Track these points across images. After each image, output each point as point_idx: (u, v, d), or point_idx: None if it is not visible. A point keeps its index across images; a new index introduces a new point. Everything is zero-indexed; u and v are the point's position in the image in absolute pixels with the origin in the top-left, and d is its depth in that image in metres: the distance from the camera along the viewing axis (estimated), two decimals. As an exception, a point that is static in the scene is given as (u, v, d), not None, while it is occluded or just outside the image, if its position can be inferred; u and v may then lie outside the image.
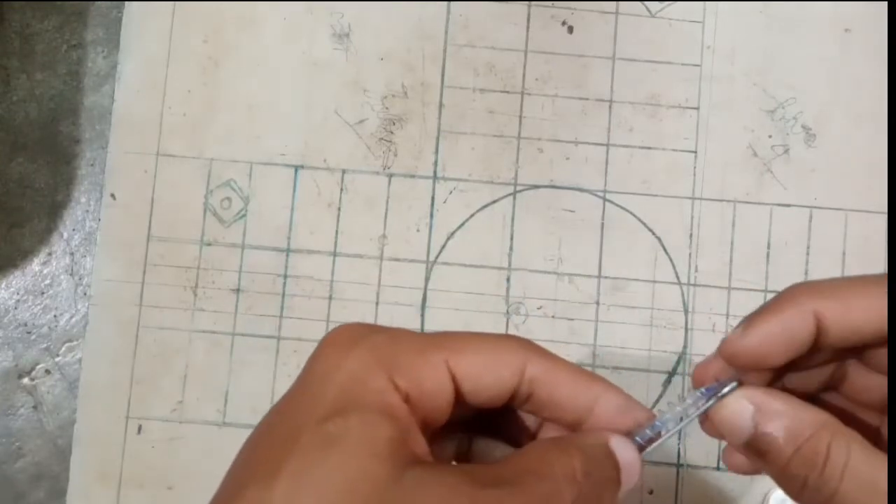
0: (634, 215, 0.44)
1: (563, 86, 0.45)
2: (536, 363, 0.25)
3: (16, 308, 0.44)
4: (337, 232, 0.44)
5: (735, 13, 0.45)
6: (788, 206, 0.44)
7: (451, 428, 0.25)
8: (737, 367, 0.26)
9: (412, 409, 0.23)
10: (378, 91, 0.45)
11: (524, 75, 0.45)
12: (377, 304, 0.43)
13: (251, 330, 0.43)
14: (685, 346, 0.43)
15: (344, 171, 0.44)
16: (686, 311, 0.43)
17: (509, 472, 0.23)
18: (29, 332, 0.44)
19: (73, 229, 0.44)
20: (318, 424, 0.22)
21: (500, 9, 0.45)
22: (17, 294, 0.44)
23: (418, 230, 0.44)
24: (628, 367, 0.43)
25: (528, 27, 0.45)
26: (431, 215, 0.44)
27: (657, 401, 0.43)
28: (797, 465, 0.24)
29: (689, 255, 0.44)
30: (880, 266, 0.43)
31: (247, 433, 0.24)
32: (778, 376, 0.27)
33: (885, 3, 0.45)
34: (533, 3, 0.45)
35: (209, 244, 0.44)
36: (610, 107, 0.44)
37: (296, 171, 0.44)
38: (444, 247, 0.44)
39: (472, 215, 0.44)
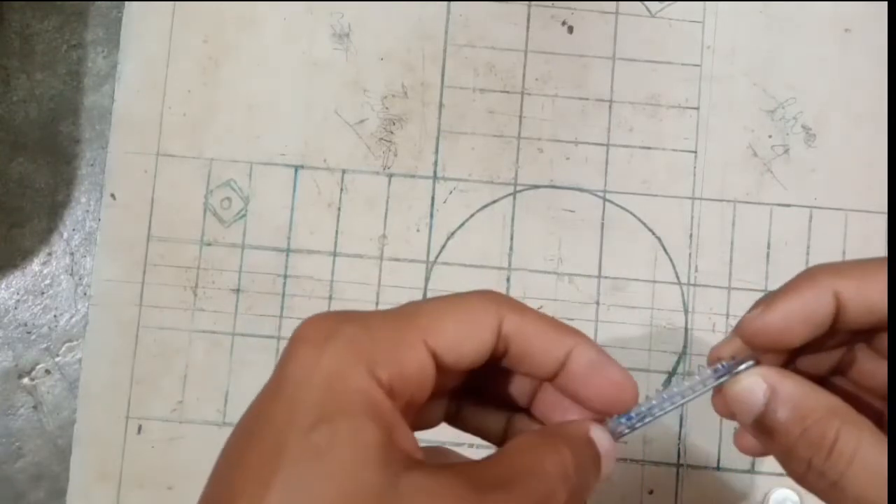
0: (634, 215, 0.44)
1: (563, 86, 0.45)
2: (510, 318, 0.25)
3: (16, 308, 0.44)
4: (337, 232, 0.44)
5: (735, 13, 0.45)
6: (788, 206, 0.44)
7: (436, 394, 0.25)
8: (755, 347, 0.26)
9: (396, 396, 0.23)
10: (378, 91, 0.45)
11: (524, 75, 0.45)
12: (377, 304, 0.43)
13: (251, 330, 0.43)
14: (685, 346, 0.43)
15: (344, 171, 0.44)
16: (686, 311, 0.43)
17: (504, 473, 0.22)
18: (29, 332, 0.44)
19: (73, 229, 0.44)
20: (305, 434, 0.21)
21: (500, 9, 0.45)
22: (17, 294, 0.44)
23: (418, 230, 0.44)
24: (628, 367, 0.42)
25: (528, 27, 0.45)
26: (431, 215, 0.44)
27: (657, 401, 0.43)
28: (803, 446, 0.24)
29: (689, 255, 0.44)
30: (880, 266, 0.43)
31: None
32: (791, 359, 0.27)
33: (885, 3, 0.45)
34: (533, 3, 0.45)
35: (209, 244, 0.44)
36: (610, 107, 0.44)
37: (296, 171, 0.44)
38: (444, 247, 0.44)
39: (472, 215, 0.44)
